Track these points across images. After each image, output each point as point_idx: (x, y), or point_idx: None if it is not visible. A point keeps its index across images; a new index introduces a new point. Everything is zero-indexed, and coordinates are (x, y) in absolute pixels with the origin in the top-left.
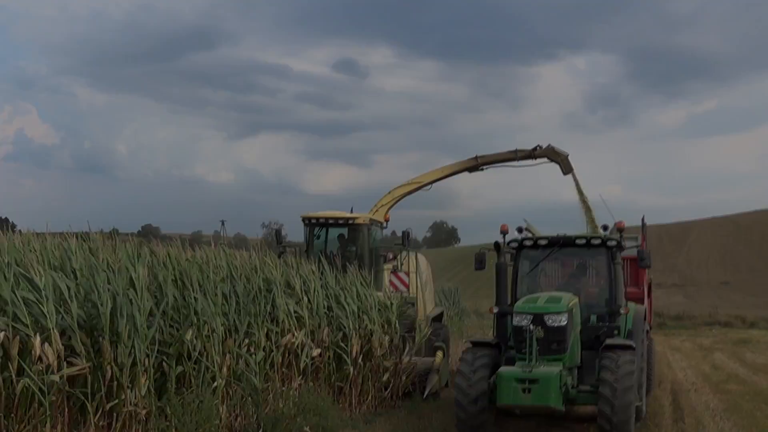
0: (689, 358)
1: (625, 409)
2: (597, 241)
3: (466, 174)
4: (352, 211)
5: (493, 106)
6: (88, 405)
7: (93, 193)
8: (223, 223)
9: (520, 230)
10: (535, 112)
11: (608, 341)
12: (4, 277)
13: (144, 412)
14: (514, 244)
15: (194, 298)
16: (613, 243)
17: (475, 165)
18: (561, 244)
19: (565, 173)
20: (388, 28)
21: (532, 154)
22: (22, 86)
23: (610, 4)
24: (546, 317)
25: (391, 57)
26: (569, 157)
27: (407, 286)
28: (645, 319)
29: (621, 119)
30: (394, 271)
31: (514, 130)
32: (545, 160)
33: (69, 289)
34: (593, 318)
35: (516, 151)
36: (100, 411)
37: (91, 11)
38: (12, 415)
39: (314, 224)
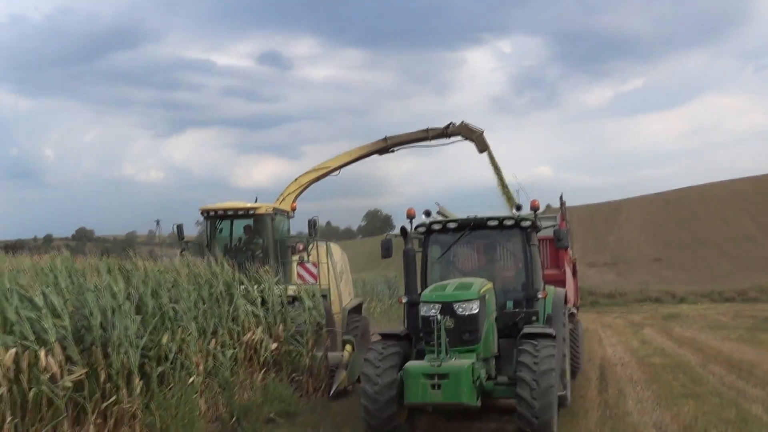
0: (620, 334)
1: (547, 409)
2: (510, 222)
3: (394, 160)
4: (256, 202)
5: (419, 92)
6: (88, 406)
7: (23, 200)
8: (158, 223)
9: (427, 213)
10: (463, 97)
11: (526, 329)
12: (7, 299)
13: (134, 409)
14: (422, 229)
15: (172, 307)
16: (528, 224)
17: (385, 146)
18: (472, 226)
19: (480, 151)
20: (310, 19)
21: (445, 132)
22: None
23: None
24: (456, 306)
25: (315, 47)
26: (484, 134)
27: (316, 278)
28: (568, 301)
29: (548, 100)
30: (301, 263)
31: (443, 115)
32: (459, 138)
33: (61, 305)
34: (509, 304)
35: (428, 130)
36: (96, 411)
37: (10, 17)
38: (26, 418)
39: (214, 216)
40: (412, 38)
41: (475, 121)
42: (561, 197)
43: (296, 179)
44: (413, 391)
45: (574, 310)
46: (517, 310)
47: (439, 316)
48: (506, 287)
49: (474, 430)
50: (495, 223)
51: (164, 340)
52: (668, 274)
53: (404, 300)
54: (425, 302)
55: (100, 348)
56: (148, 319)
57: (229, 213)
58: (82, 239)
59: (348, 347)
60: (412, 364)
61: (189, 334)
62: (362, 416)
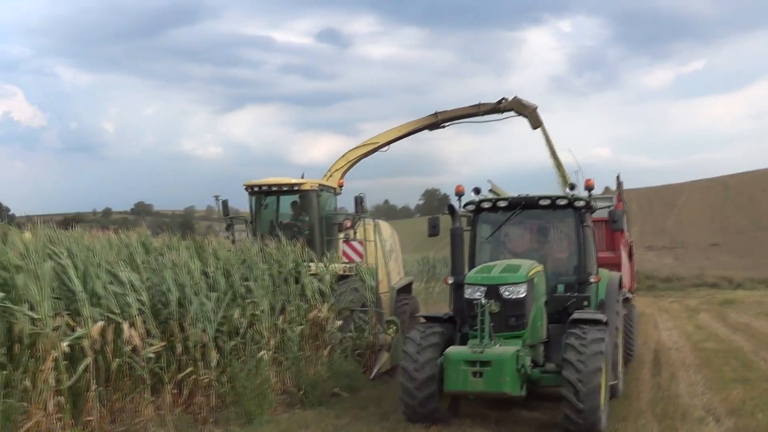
0: (675, 319)
1: (593, 395)
2: (563, 202)
3: (454, 139)
4: (303, 177)
5: (478, 72)
6: (165, 376)
7: (83, 174)
8: (216, 198)
9: (477, 191)
10: (522, 77)
11: (575, 315)
12: (97, 276)
13: (209, 380)
14: (471, 207)
15: (244, 284)
16: (581, 204)
17: (435, 122)
18: (523, 205)
19: (534, 127)
20: None
21: (497, 107)
22: (7, 69)
23: None
24: (502, 289)
25: (374, 25)
26: (538, 110)
27: (362, 256)
28: (623, 286)
29: (607, 81)
30: (347, 240)
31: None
32: (512, 113)
33: (139, 281)
34: (560, 288)
35: (479, 105)
36: (173, 381)
37: None
38: (109, 386)
39: (258, 192)
40: (471, 17)
41: (534, 101)
42: (618, 177)
43: (344, 155)
44: (453, 378)
45: (629, 295)
46: (569, 294)
47: (483, 300)
48: (558, 270)
49: (519, 419)
50: (547, 202)
51: (235, 315)
52: (725, 260)
53: (450, 281)
54: (470, 284)
55: (176, 322)
56: (220, 296)
57: (274, 189)
58: (141, 213)
59: (392, 328)
60: (453, 350)
61: (261, 311)
62: (400, 396)
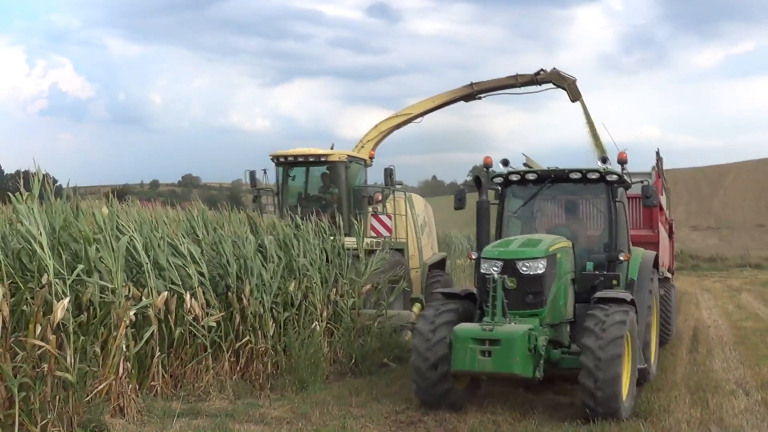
0: (717, 298)
1: (612, 383)
2: (594, 176)
3: (501, 115)
4: (333, 149)
5: (528, 49)
6: (223, 345)
7: (130, 145)
8: (265, 172)
9: (505, 163)
10: (571, 54)
11: (598, 294)
12: (160, 248)
13: (265, 349)
14: (499, 180)
15: (296, 258)
16: (614, 178)
17: (471, 93)
18: (553, 179)
19: (573, 100)
20: None
21: (535, 79)
22: (55, 40)
23: None
24: (519, 264)
25: (424, 0)
26: (577, 83)
27: (390, 231)
28: (663, 265)
29: (657, 60)
30: (375, 214)
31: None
32: (550, 85)
33: (198, 254)
34: (590, 265)
35: (516, 76)
36: (231, 350)
37: None
38: (171, 354)
39: (284, 163)
40: None
41: (583, 80)
42: (657, 153)
43: (376, 126)
44: (461, 357)
45: (668, 275)
46: (597, 272)
47: (496, 275)
48: (590, 247)
49: (540, 402)
50: (578, 175)
51: (291, 287)
52: None
53: (474, 256)
54: (486, 258)
55: (235, 294)
56: (275, 269)
57: (300, 159)
58: (188, 185)
59: (417, 306)
60: (462, 326)
61: (314, 283)
62: (412, 377)
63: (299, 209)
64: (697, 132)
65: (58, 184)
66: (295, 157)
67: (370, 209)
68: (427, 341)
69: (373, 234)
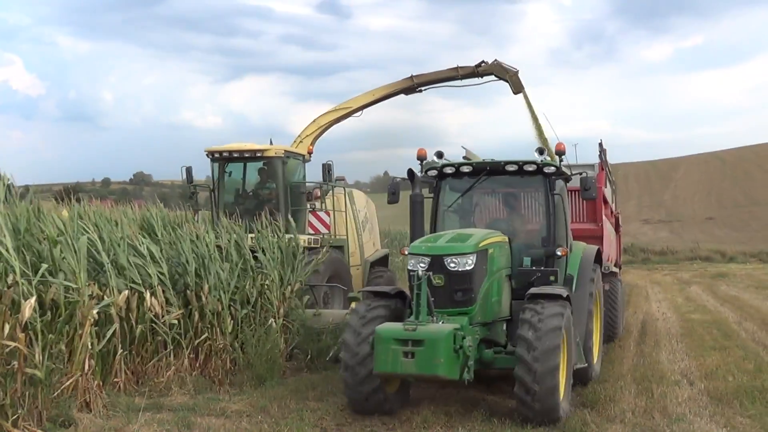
0: (666, 291)
1: (549, 375)
2: (531, 168)
3: (453, 111)
4: (271, 143)
5: (478, 44)
6: (183, 342)
7: (81, 143)
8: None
9: (440, 155)
10: (521, 50)
11: (533, 290)
12: (120, 248)
13: (223, 346)
14: (433, 173)
15: (253, 256)
16: (551, 170)
17: (411, 86)
18: (489, 171)
19: (515, 92)
20: None
21: (477, 71)
22: (6, 37)
23: None
24: (446, 260)
25: None
26: (519, 75)
27: (328, 228)
28: (608, 259)
29: (607, 55)
30: (313, 211)
31: None
32: (492, 78)
33: (158, 253)
34: (527, 261)
35: (457, 68)
36: (190, 347)
37: None
38: (133, 350)
39: (219, 159)
40: None
41: (534, 74)
42: (600, 144)
43: (314, 120)
44: (382, 359)
45: (615, 269)
46: (533, 269)
47: (421, 272)
48: (528, 242)
49: (491, 392)
50: (514, 167)
51: (247, 285)
52: (720, 234)
53: (407, 251)
54: (412, 254)
55: (194, 292)
56: (233, 267)
57: (235, 155)
58: (140, 183)
59: (353, 305)
60: (384, 326)
61: (271, 281)
62: (341, 374)
63: (236, 206)
64: (648, 126)
65: (10, 182)
66: (231, 152)
67: (309, 205)
68: (358, 335)
69: (312, 231)
